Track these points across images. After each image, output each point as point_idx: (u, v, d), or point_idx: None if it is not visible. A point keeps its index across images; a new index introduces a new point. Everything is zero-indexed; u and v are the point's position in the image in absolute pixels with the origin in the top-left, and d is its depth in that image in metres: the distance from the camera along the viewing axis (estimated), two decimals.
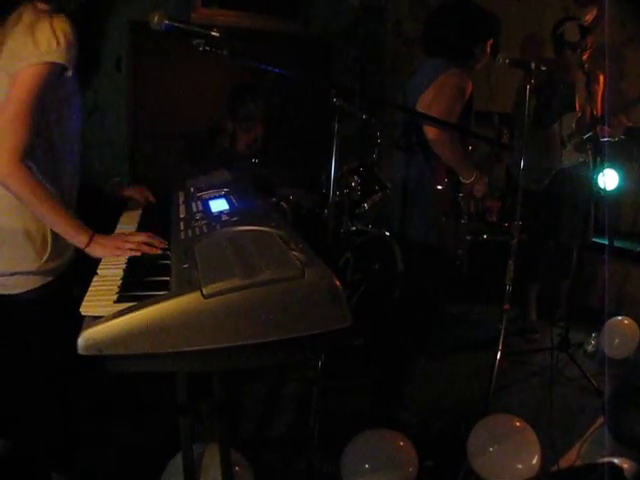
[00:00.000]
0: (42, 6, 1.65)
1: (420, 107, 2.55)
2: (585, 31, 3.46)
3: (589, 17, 3.56)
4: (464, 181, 2.61)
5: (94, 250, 1.64)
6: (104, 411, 2.65)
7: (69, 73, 1.69)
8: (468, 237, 2.68)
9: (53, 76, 1.64)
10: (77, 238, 1.65)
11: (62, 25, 1.63)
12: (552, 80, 3.56)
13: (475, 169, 2.61)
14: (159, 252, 1.63)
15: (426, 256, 2.67)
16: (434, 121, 2.38)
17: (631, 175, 4.22)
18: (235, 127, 3.88)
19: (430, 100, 2.51)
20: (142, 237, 1.67)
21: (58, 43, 1.60)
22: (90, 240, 1.64)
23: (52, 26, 1.61)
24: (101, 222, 1.78)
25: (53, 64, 1.61)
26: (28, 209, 1.67)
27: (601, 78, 3.57)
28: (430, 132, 2.45)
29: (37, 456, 1.99)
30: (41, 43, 1.59)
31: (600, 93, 3.56)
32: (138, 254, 1.61)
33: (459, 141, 2.55)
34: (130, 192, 2.20)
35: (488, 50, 2.63)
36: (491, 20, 2.66)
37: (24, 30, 1.61)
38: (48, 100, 1.67)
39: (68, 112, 1.78)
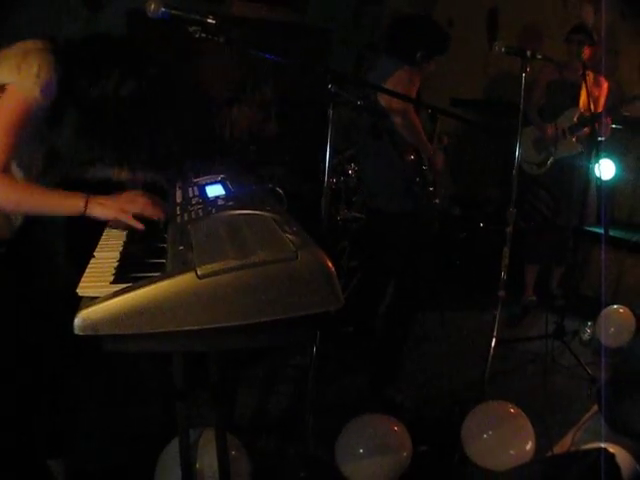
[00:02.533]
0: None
1: (383, 97, 2.77)
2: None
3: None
4: (424, 155, 2.95)
5: (95, 210, 1.58)
6: (100, 396, 2.67)
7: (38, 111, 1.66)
8: (437, 201, 3.07)
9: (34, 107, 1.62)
10: (73, 206, 1.58)
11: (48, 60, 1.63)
12: (562, 79, 3.84)
13: (431, 144, 2.99)
14: (162, 217, 1.64)
15: (405, 222, 2.95)
16: (409, 100, 2.71)
17: (628, 165, 4.24)
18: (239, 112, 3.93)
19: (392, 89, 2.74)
20: (144, 199, 1.65)
21: (38, 77, 1.60)
22: (87, 202, 1.57)
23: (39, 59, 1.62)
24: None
25: (35, 97, 1.60)
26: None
27: (605, 85, 3.78)
28: (398, 117, 2.79)
29: (31, 444, 1.99)
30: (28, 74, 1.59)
31: (602, 97, 3.78)
32: (141, 219, 1.61)
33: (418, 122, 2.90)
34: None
35: (433, 66, 2.91)
36: (445, 40, 2.92)
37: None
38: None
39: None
